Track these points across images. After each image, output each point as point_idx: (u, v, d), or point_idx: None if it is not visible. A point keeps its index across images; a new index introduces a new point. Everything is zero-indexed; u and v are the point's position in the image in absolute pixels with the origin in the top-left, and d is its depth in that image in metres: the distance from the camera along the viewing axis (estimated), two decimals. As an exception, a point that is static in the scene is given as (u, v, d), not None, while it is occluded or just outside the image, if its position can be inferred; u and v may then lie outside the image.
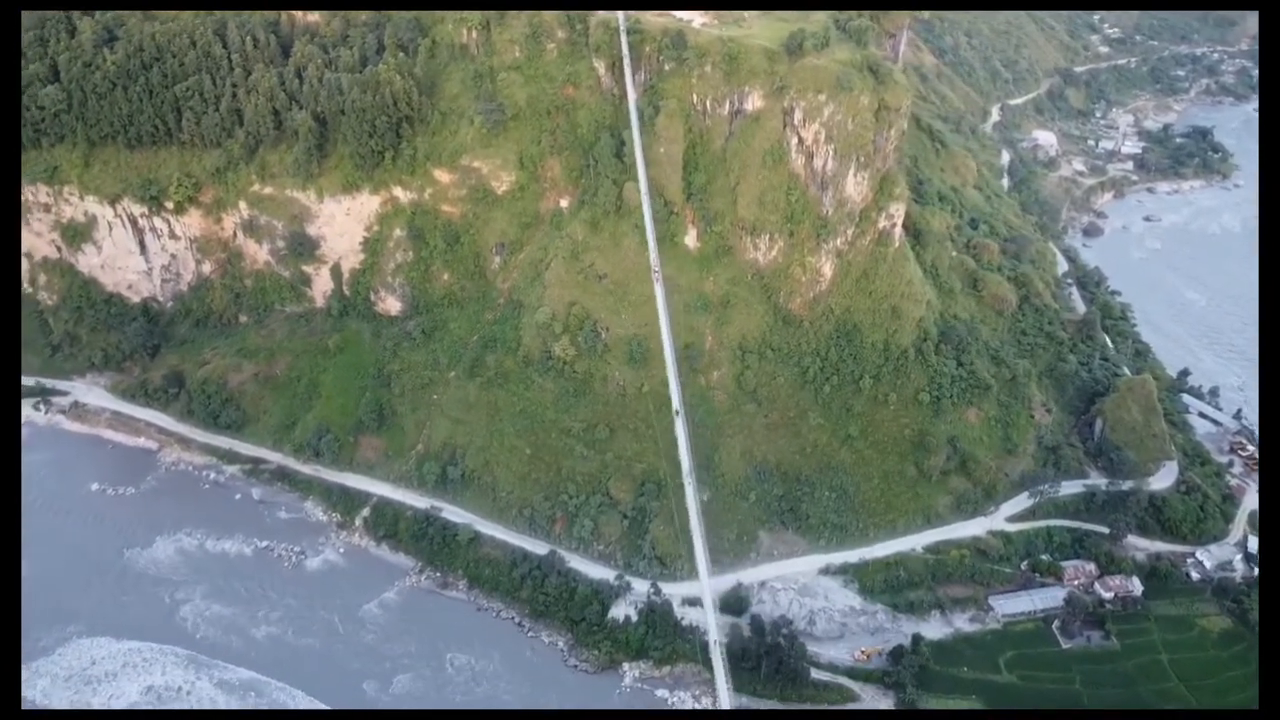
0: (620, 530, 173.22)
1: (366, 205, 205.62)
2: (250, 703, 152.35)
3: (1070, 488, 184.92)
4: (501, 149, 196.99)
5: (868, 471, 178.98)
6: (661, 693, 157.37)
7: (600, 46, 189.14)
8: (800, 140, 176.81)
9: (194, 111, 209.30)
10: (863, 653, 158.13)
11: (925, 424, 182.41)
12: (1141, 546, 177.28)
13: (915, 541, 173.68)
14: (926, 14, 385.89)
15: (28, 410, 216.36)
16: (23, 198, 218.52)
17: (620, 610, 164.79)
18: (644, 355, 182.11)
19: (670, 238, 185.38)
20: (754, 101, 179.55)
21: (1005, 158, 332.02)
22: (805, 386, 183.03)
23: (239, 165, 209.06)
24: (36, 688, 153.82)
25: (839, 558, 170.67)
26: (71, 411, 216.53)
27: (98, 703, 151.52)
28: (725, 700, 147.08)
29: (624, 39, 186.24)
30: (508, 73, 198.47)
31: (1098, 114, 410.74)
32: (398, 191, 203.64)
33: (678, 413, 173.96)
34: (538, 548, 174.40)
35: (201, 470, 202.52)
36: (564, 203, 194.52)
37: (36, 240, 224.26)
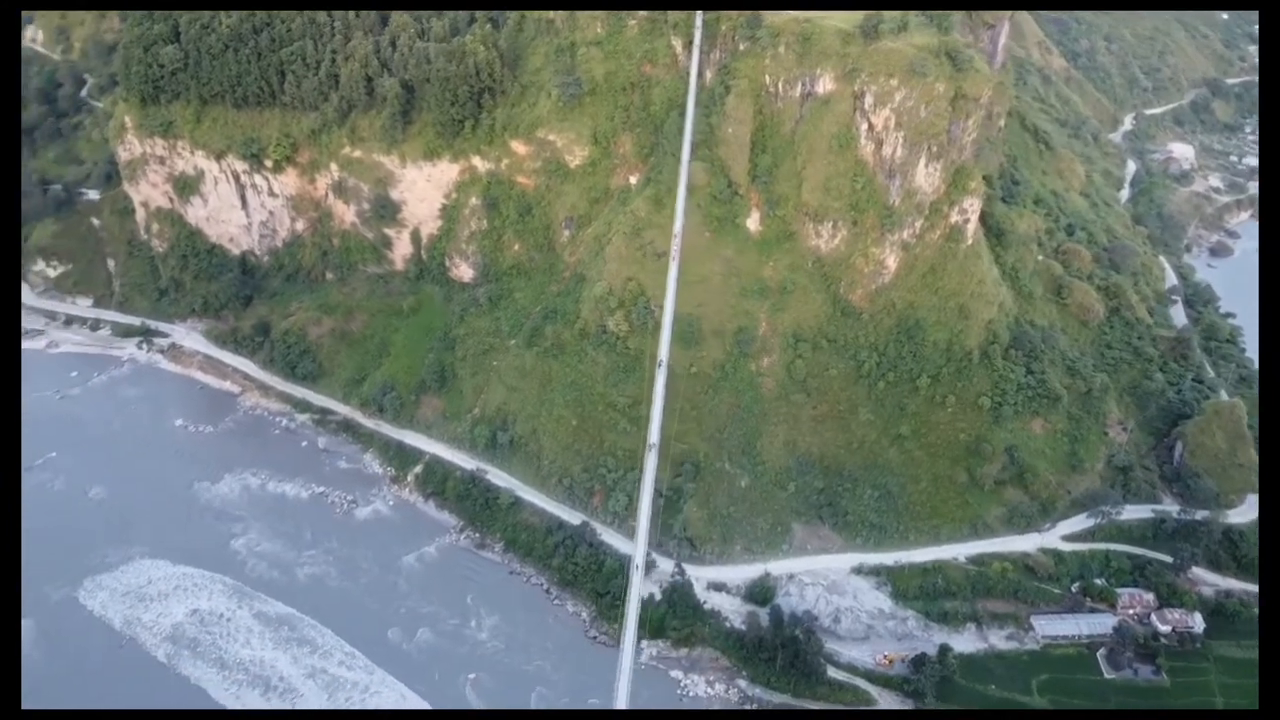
0: (656, 508, 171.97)
1: (446, 173, 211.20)
2: (283, 635, 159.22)
3: (1138, 512, 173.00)
4: (576, 123, 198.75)
5: (916, 474, 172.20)
6: (676, 673, 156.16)
7: (679, 24, 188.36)
8: (870, 126, 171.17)
9: (295, 75, 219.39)
10: (885, 657, 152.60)
11: (983, 430, 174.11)
12: (1210, 581, 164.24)
13: (958, 550, 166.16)
14: (1058, 14, 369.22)
15: (131, 349, 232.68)
16: (142, 149, 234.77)
17: (644, 587, 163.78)
18: (695, 335, 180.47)
19: (731, 219, 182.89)
20: (825, 84, 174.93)
21: (1130, 168, 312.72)
22: (859, 381, 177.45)
23: (332, 128, 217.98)
24: (96, 599, 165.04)
25: (874, 558, 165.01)
26: (169, 352, 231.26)
27: (148, 618, 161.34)
28: (628, 651, 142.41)
29: (699, 17, 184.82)
30: (588, 48, 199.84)
31: (1247, 129, 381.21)
32: (476, 161, 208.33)
33: (661, 364, 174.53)
34: (573, 518, 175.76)
35: (275, 416, 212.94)
36: (633, 179, 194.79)
37: (152, 190, 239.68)
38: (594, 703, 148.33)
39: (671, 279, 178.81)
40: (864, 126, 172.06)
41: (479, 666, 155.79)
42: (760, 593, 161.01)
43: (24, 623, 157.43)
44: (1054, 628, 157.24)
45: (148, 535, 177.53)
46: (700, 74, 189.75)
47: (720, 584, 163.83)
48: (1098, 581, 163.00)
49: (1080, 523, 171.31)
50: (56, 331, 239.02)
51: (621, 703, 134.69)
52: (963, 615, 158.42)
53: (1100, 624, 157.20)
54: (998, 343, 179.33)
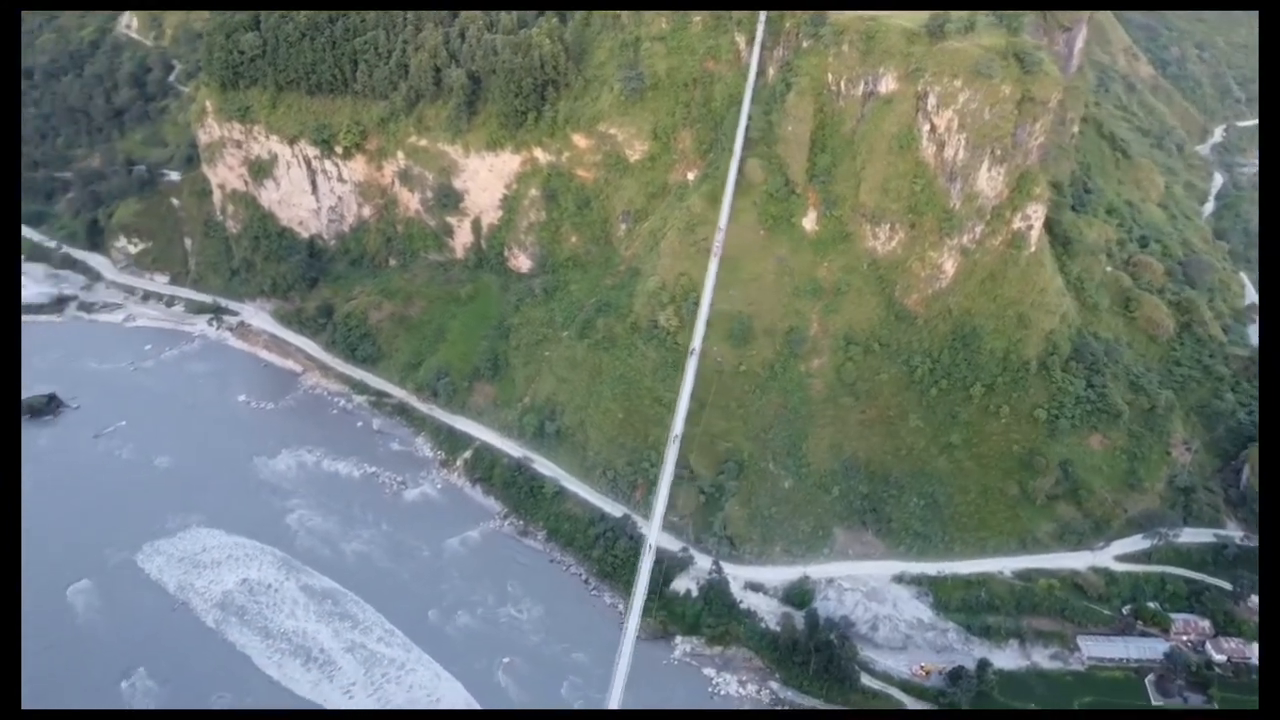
0: (696, 504, 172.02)
1: (508, 164, 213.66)
2: (326, 609, 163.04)
3: (1198, 535, 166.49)
4: (637, 118, 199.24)
5: (965, 484, 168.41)
6: (709, 671, 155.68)
7: (742, 21, 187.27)
8: (932, 127, 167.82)
9: (367, 64, 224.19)
10: (922, 668, 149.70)
11: (1037, 443, 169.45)
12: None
13: (1005, 564, 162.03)
14: (1146, 19, 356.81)
15: (202, 325, 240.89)
16: (221, 133, 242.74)
17: (682, 583, 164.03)
18: (746, 334, 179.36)
19: (787, 218, 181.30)
20: (888, 83, 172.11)
21: (1217, 181, 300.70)
22: (910, 386, 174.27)
23: (400, 117, 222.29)
24: (154, 563, 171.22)
25: (916, 567, 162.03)
26: (237, 330, 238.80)
27: (200, 584, 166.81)
28: (634, 621, 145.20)
29: (761, 16, 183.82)
30: (652, 43, 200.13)
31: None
32: (537, 152, 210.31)
33: (693, 352, 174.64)
34: (615, 510, 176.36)
35: (334, 396, 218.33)
36: (691, 175, 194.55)
37: (228, 173, 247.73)
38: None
39: (711, 272, 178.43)
40: (926, 127, 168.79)
41: (514, 651, 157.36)
42: (798, 595, 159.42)
43: (79, 584, 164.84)
44: (1101, 649, 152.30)
45: (206, 505, 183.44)
46: (762, 71, 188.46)
47: (758, 584, 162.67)
48: (1151, 605, 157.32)
49: (1136, 543, 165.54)
50: (134, 306, 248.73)
51: (620, 678, 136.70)
52: (1006, 631, 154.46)
53: (1151, 649, 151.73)
54: (1057, 354, 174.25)
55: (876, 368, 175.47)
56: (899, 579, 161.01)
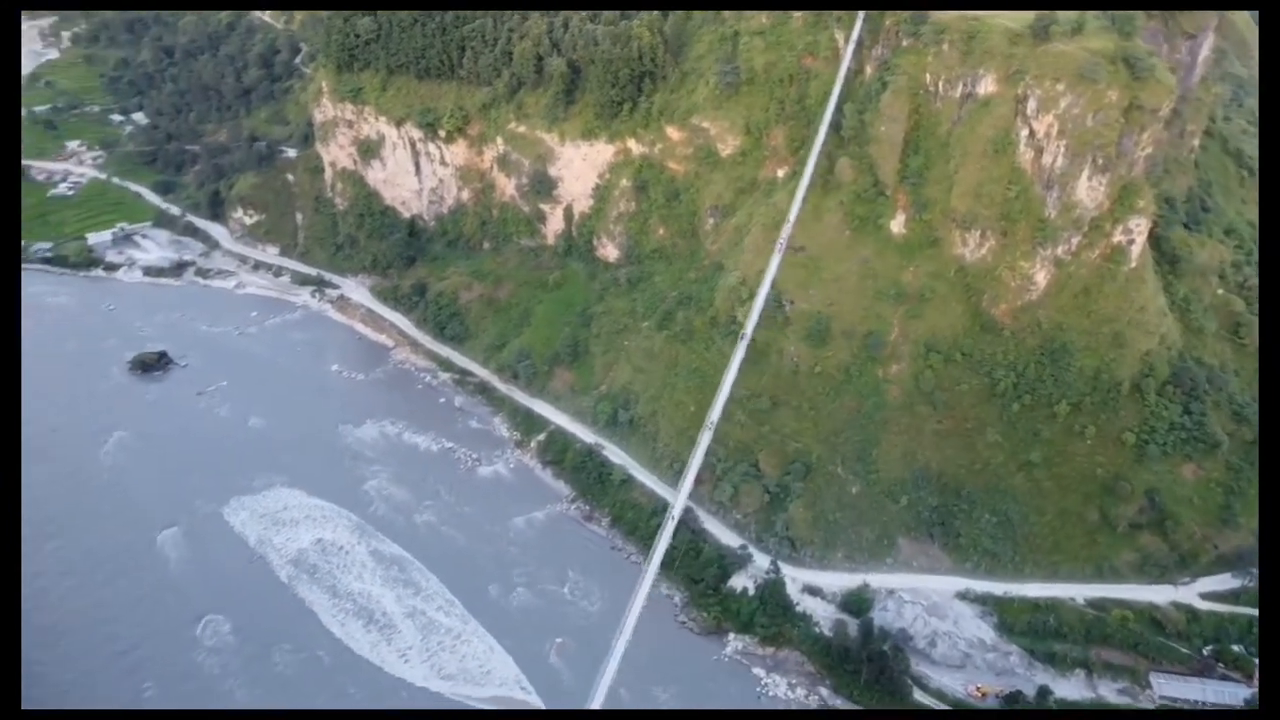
0: (760, 503, 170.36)
1: (602, 153, 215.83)
2: (392, 575, 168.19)
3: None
4: (731, 112, 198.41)
5: (1041, 504, 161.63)
6: (759, 670, 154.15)
7: (843, 18, 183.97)
8: (1031, 132, 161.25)
9: (474, 51, 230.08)
10: (978, 689, 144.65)
11: (1124, 468, 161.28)
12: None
13: (1077, 591, 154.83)
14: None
15: (305, 296, 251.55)
16: (334, 113, 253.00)
17: (739, 581, 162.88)
18: (824, 334, 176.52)
19: (874, 220, 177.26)
20: (987, 85, 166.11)
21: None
22: (991, 400, 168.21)
23: (501, 103, 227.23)
24: (238, 516, 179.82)
25: (982, 586, 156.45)
26: (337, 303, 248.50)
27: (278, 541, 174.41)
28: (646, 582, 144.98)
29: (861, 13, 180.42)
30: (751, 37, 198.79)
31: None
32: (631, 143, 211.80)
33: (744, 337, 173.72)
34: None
35: (420, 372, 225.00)
36: (780, 172, 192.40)
37: (339, 152, 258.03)
38: (664, 699, 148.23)
39: (773, 266, 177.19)
40: (1024, 132, 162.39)
41: (567, 632, 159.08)
42: (856, 603, 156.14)
43: (170, 530, 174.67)
44: (1175, 689, 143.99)
45: (291, 466, 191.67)
46: (859, 69, 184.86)
47: (816, 588, 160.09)
48: (1235, 648, 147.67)
49: (1224, 581, 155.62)
50: (245, 274, 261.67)
51: (622, 643, 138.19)
52: (1072, 660, 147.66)
53: (1231, 694, 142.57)
54: (1153, 376, 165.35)
55: (957, 378, 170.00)
56: (963, 595, 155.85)
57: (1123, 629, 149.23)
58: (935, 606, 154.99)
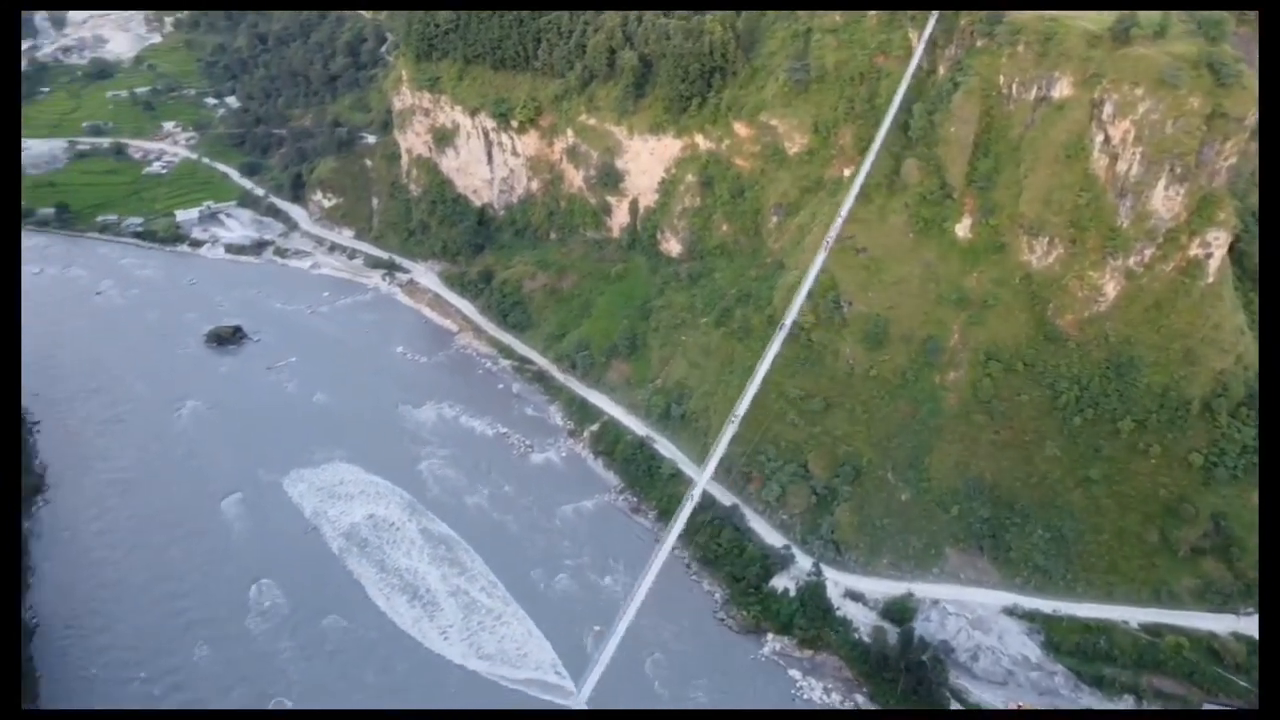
0: (806, 504, 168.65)
1: (669, 148, 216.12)
2: (439, 553, 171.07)
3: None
4: (799, 110, 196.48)
5: (1098, 523, 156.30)
6: (795, 672, 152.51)
7: (916, 16, 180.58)
8: (1106, 138, 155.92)
9: (549, 42, 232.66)
10: (1019, 706, 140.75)
11: (1189, 490, 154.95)
12: None
13: (1132, 614, 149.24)
14: None
15: (376, 279, 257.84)
16: (412, 101, 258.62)
17: (781, 581, 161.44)
18: (882, 337, 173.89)
19: (939, 223, 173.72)
20: (1062, 88, 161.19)
21: None
22: (1052, 412, 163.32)
23: (573, 95, 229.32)
24: (297, 488, 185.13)
25: (1031, 602, 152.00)
26: (406, 287, 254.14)
27: (332, 513, 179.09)
28: (661, 557, 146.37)
29: (933, 15, 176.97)
30: (824, 35, 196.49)
31: None
32: (698, 138, 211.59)
33: (782, 327, 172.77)
34: (726, 499, 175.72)
35: (481, 358, 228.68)
36: (847, 172, 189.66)
37: (415, 139, 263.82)
38: (697, 694, 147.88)
39: (818, 262, 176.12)
40: (1099, 138, 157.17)
41: (605, 620, 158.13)
42: (899, 612, 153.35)
43: (232, 496, 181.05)
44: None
45: (350, 442, 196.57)
46: (933, 69, 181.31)
47: (858, 594, 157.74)
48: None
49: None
50: (320, 255, 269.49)
51: (631, 609, 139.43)
52: (1121, 685, 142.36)
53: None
54: (1226, 396, 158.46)
55: (1017, 388, 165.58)
56: (1010, 611, 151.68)
57: (1177, 657, 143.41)
58: (980, 620, 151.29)
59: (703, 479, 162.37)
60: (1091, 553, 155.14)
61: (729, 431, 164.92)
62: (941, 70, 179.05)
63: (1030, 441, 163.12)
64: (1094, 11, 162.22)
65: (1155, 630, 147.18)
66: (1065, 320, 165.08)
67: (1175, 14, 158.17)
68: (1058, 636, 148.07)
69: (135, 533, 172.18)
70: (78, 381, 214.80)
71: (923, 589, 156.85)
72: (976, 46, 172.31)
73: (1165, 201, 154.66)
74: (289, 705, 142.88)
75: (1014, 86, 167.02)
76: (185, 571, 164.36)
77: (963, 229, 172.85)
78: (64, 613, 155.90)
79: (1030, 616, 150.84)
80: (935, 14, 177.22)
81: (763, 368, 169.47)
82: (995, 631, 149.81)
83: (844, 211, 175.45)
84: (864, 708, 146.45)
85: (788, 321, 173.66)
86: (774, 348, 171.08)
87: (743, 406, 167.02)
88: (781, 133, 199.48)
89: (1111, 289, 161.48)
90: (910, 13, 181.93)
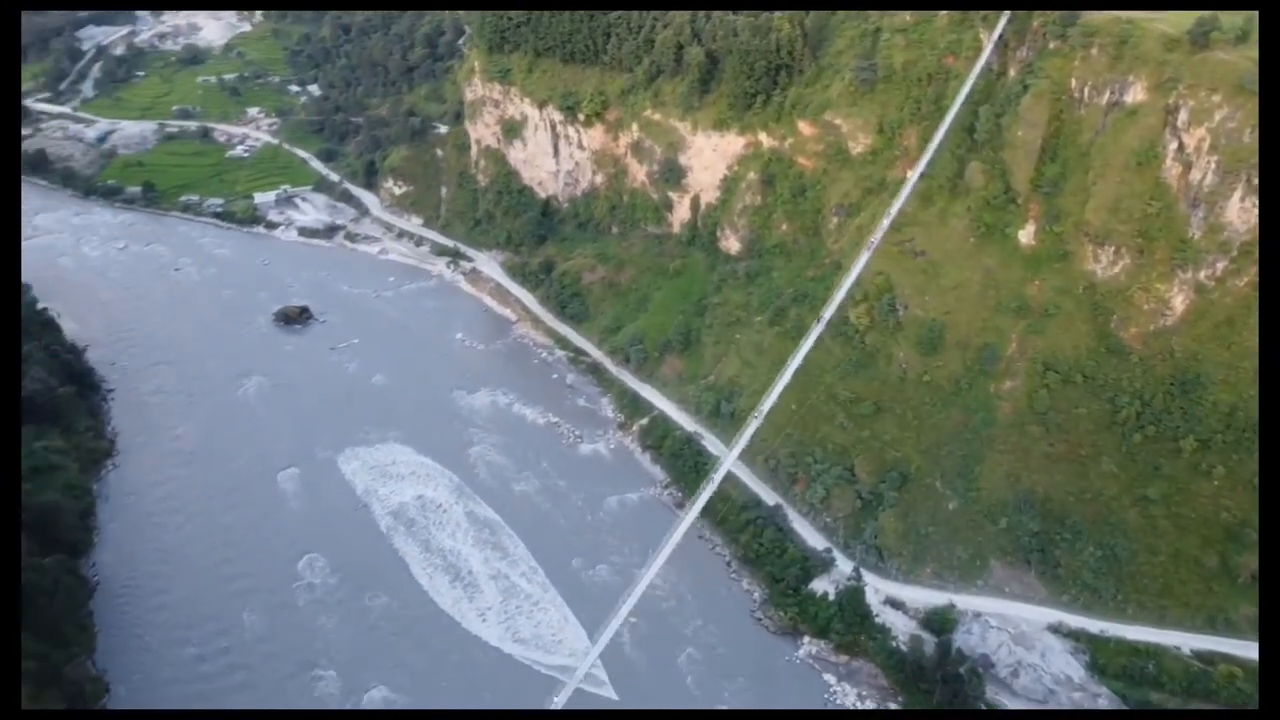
0: (851, 508, 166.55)
1: (732, 145, 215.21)
2: (483, 537, 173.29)
3: None
4: (865, 110, 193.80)
5: (1154, 543, 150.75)
6: (829, 677, 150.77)
7: (988, 16, 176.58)
8: (1180, 145, 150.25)
9: (619, 37, 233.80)
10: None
11: (1253, 515, 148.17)
12: None
13: (1184, 640, 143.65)
14: None
15: (441, 266, 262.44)
16: (483, 92, 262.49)
17: (820, 584, 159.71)
18: (937, 342, 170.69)
19: (1001, 228, 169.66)
20: (1136, 93, 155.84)
21: None
22: (1110, 427, 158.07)
23: (640, 90, 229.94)
24: (350, 466, 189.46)
25: (1077, 621, 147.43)
26: (469, 275, 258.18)
27: (383, 492, 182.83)
28: (683, 526, 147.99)
29: (1004, 15, 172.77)
30: (893, 34, 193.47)
31: None
32: (762, 136, 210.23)
33: (820, 320, 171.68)
34: (770, 498, 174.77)
35: (538, 347, 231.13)
36: (911, 174, 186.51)
37: (485, 130, 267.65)
38: (728, 693, 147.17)
39: (861, 260, 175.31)
40: (1173, 145, 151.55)
41: (641, 613, 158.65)
42: (939, 622, 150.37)
43: (288, 470, 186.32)
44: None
45: (404, 424, 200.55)
46: (1003, 71, 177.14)
47: (899, 601, 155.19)
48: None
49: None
50: (389, 241, 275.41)
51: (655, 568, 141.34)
52: (1168, 712, 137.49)
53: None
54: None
55: (1075, 400, 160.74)
56: (1055, 629, 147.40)
57: (1229, 687, 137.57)
58: (1023, 636, 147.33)
59: (728, 459, 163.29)
60: (1145, 574, 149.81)
61: (752, 426, 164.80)
62: (1012, 72, 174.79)
63: (1086, 456, 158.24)
64: (1171, 13, 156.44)
65: (1208, 658, 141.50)
66: (1129, 333, 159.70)
67: (1258, 18, 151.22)
68: (1104, 658, 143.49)
69: (195, 500, 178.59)
70: (152, 353, 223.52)
71: (965, 601, 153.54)
72: (1049, 49, 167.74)
73: (1241, 213, 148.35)
74: (330, 675, 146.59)
75: (1085, 90, 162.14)
76: (239, 540, 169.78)
77: (1026, 235, 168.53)
78: (123, 573, 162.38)
79: (1076, 636, 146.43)
80: (1006, 14, 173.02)
81: (795, 362, 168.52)
82: (1038, 649, 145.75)
83: (893, 211, 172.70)
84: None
85: (826, 315, 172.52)
86: (809, 341, 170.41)
87: (768, 403, 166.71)
88: (845, 132, 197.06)
89: (1179, 302, 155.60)
90: (982, 13, 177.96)
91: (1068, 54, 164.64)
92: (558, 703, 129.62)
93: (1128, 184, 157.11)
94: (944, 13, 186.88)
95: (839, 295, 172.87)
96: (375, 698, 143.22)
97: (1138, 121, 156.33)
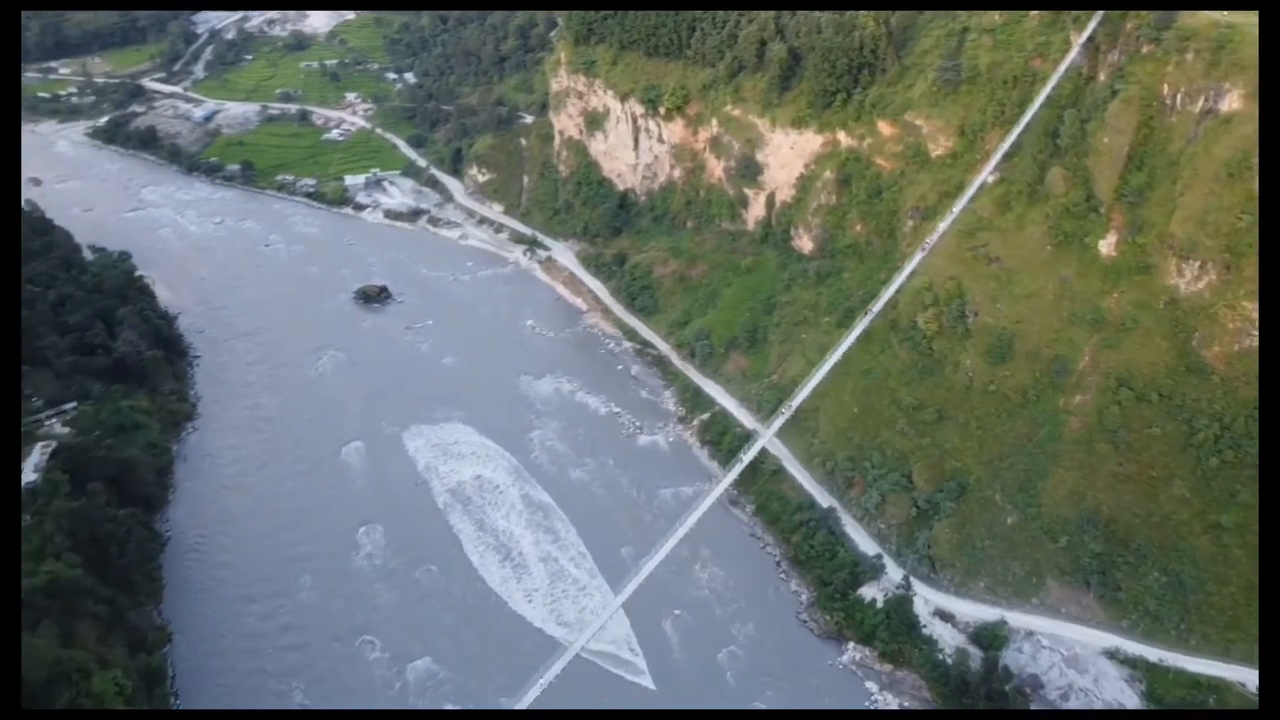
0: (905, 516, 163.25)
1: (810, 143, 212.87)
2: (536, 520, 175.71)
3: None
4: (947, 111, 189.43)
5: (1224, 573, 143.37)
6: (871, 685, 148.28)
7: (1079, 18, 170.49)
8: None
9: (703, 31, 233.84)
10: None
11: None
12: None
13: (1249, 677, 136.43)
14: None
15: (518, 254, 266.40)
16: (568, 83, 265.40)
17: (869, 591, 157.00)
18: (1006, 352, 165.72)
19: (1080, 237, 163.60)
20: (1231, 101, 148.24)
21: None
22: (1185, 449, 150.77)
23: (720, 85, 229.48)
24: (414, 442, 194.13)
25: (1135, 648, 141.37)
26: (545, 263, 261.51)
27: (443, 470, 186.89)
28: (713, 496, 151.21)
29: (1095, 16, 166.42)
30: (980, 35, 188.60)
31: None
32: (840, 135, 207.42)
33: (868, 313, 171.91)
34: (824, 500, 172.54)
35: (606, 338, 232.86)
36: (991, 178, 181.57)
37: (568, 121, 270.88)
38: (767, 694, 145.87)
39: (915, 260, 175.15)
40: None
41: (686, 607, 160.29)
42: (989, 638, 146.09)
43: (354, 443, 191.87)
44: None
45: (469, 405, 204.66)
46: (1092, 75, 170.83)
47: (949, 614, 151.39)
48: None
49: None
50: (469, 227, 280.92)
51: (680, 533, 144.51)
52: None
53: None
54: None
55: (1148, 419, 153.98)
56: (1111, 654, 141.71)
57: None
58: (1076, 659, 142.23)
59: (765, 436, 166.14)
60: (1212, 604, 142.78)
61: (778, 423, 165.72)
62: (1101, 76, 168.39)
63: (1156, 478, 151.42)
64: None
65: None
66: (1211, 351, 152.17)
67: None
68: (1161, 689, 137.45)
69: (264, 467, 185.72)
70: (238, 324, 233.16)
71: (1018, 618, 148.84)
72: (1141, 52, 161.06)
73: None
74: (378, 642, 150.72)
75: (1178, 97, 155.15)
76: (303, 507, 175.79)
77: (1106, 245, 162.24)
78: (194, 531, 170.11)
79: (1133, 663, 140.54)
80: (1098, 16, 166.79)
81: (836, 354, 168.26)
82: (1091, 673, 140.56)
83: (955, 211, 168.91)
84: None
85: (875, 308, 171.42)
86: (855, 333, 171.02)
87: (798, 399, 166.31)
88: (926, 134, 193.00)
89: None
90: (1074, 15, 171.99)
91: (1161, 58, 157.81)
92: (557, 669, 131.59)
93: (1217, 196, 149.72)
94: (1035, 13, 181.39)
95: (889, 292, 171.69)
96: (419, 668, 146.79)
97: (1231, 131, 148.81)
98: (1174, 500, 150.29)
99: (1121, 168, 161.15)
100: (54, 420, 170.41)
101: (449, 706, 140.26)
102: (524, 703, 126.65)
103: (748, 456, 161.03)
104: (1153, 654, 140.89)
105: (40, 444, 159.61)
